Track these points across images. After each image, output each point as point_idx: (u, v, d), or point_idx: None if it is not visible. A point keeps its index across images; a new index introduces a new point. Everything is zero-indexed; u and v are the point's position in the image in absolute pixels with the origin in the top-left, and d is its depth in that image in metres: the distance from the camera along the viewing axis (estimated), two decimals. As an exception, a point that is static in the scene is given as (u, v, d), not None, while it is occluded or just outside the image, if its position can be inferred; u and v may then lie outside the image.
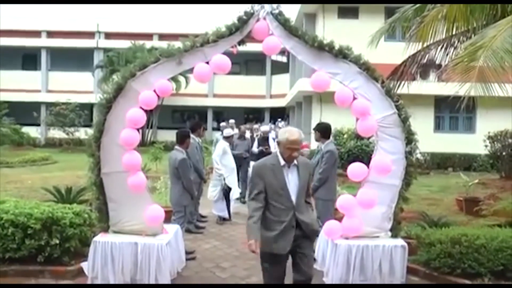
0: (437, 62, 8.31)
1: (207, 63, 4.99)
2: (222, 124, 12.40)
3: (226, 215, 8.41)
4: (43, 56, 29.01)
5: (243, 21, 5.03)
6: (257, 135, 11.51)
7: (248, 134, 11.44)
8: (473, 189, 9.44)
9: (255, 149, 10.59)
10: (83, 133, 25.99)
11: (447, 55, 7.82)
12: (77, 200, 7.39)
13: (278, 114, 27.16)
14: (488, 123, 15.21)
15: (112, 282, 4.86)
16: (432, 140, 15.57)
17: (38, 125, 27.28)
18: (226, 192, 8.37)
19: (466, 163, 16.65)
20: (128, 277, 4.89)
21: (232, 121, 13.86)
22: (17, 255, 5.08)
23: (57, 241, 5.13)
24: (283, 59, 26.19)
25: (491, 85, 5.26)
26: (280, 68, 27.40)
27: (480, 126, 17.53)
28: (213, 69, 5.01)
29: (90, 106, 27.97)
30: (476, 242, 5.24)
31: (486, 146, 13.19)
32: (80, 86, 27.54)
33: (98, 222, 5.36)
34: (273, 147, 10.27)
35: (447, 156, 17.20)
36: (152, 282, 4.85)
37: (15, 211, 5.18)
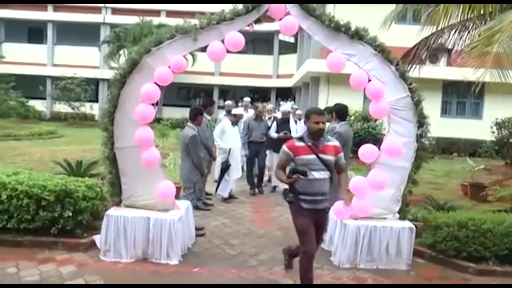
0: (450, 46, 8.24)
1: (222, 42, 4.98)
2: (228, 102, 10.83)
3: (226, 195, 8.20)
4: (49, 30, 28.81)
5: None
6: (270, 117, 9.87)
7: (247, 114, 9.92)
8: (478, 175, 9.49)
9: (273, 133, 9.00)
10: (88, 108, 26.18)
11: (461, 38, 7.75)
12: (87, 174, 7.47)
13: (284, 94, 27.09)
14: (496, 109, 15.19)
15: (124, 255, 4.94)
16: (438, 125, 15.53)
17: (44, 98, 27.31)
18: (222, 169, 8.09)
19: (471, 148, 16.65)
20: (140, 251, 4.98)
21: (247, 99, 12.04)
22: (31, 226, 5.15)
23: (70, 214, 5.19)
24: (291, 39, 25.99)
25: (506, 71, 5.24)
26: (287, 48, 27.17)
27: (487, 112, 17.47)
28: (227, 46, 4.99)
29: (96, 81, 28.05)
30: (483, 227, 5.29)
31: (492, 132, 13.18)
32: (86, 61, 27.47)
33: (110, 196, 5.42)
34: (295, 130, 9.01)
35: (453, 141, 17.18)
36: (164, 257, 4.94)
37: (29, 182, 5.23)
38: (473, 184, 8.90)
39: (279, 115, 9.88)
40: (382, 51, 5.17)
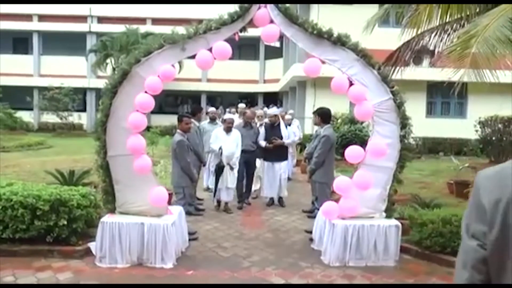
0: (431, 48, 8.49)
1: (210, 50, 5.14)
2: (211, 109, 9.95)
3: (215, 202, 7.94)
4: (35, 40, 28.76)
5: (245, 9, 5.18)
6: (261, 124, 9.00)
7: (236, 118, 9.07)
8: (463, 173, 9.74)
9: (261, 141, 8.29)
10: (76, 118, 26.10)
11: (441, 41, 8.00)
12: (80, 183, 7.55)
13: (272, 99, 27.29)
14: (479, 109, 15.50)
15: (119, 261, 5.06)
16: (424, 125, 15.85)
17: (31, 109, 27.16)
18: (216, 172, 7.64)
19: (456, 147, 16.96)
20: (135, 257, 5.10)
21: (242, 105, 11.61)
22: (26, 235, 5.24)
23: (65, 222, 5.28)
24: (276, 44, 26.18)
25: (483, 72, 5.47)
26: (273, 53, 27.35)
27: (471, 111, 17.81)
28: (215, 56, 5.16)
29: (83, 91, 27.98)
30: (466, 222, 5.48)
31: (476, 131, 13.48)
32: (73, 71, 27.42)
33: (104, 204, 5.54)
34: (286, 136, 8.41)
35: (439, 141, 17.49)
36: (159, 261, 5.07)
37: (24, 192, 5.32)
38: (458, 182, 9.13)
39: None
40: (364, 56, 5.37)
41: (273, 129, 8.32)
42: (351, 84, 5.34)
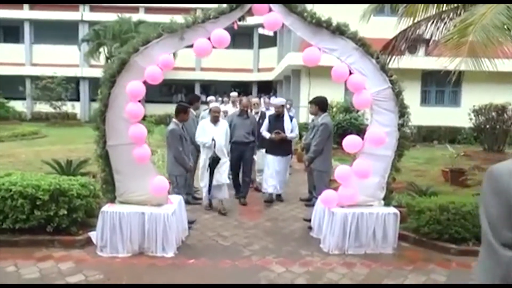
0: (427, 37, 8.51)
1: (209, 39, 5.13)
2: (210, 98, 10.06)
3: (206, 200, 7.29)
4: (26, 29, 28.44)
5: (244, -2, 5.16)
6: (256, 112, 8.76)
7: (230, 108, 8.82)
8: (457, 161, 9.83)
9: (265, 131, 7.70)
10: (70, 107, 25.93)
11: (437, 29, 8.02)
12: (78, 173, 7.54)
13: (266, 88, 27.24)
14: (473, 97, 15.60)
15: (120, 250, 5.08)
16: (418, 114, 15.90)
17: (24, 99, 26.94)
18: (210, 166, 6.91)
19: (451, 136, 17.10)
20: (136, 246, 5.12)
21: (234, 94, 10.91)
22: (26, 225, 5.23)
23: (65, 212, 5.28)
24: (270, 33, 26.07)
25: (481, 60, 5.50)
26: (267, 41, 27.26)
27: (465, 99, 17.93)
28: (214, 44, 5.15)
29: (76, 80, 27.73)
30: (463, 209, 5.56)
31: (470, 119, 13.57)
32: (65, 60, 27.20)
33: (104, 193, 5.54)
34: (289, 130, 7.60)
35: (433, 129, 17.61)
36: (160, 250, 5.10)
37: (23, 182, 5.30)
38: (453, 170, 9.22)
39: (271, 110, 8.68)
40: (363, 45, 5.38)
41: (277, 120, 7.64)
42: (350, 73, 5.35)
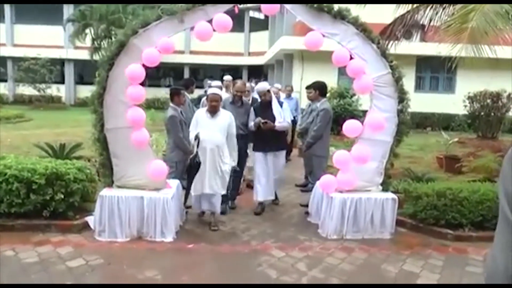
0: (426, 22, 8.47)
1: (209, 22, 5.05)
2: (209, 82, 9.31)
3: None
4: (7, 7, 27.48)
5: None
6: (248, 99, 7.16)
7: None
8: (451, 148, 9.89)
9: (251, 122, 6.30)
10: (55, 90, 25.41)
11: (436, 14, 7.97)
12: (71, 157, 7.46)
13: (257, 72, 26.96)
14: (468, 84, 15.66)
15: (119, 235, 5.04)
16: (412, 100, 15.86)
17: (5, 81, 26.35)
18: (188, 172, 5.64)
19: (444, 122, 17.18)
20: (135, 230, 5.09)
21: (228, 77, 9.33)
22: (22, 209, 5.16)
23: (62, 196, 5.22)
24: (261, 15, 25.71)
25: (481, 47, 5.49)
26: (258, 25, 26.87)
27: (459, 86, 17.98)
28: (216, 28, 5.08)
29: (61, 62, 27.02)
30: (460, 195, 5.59)
31: (465, 106, 13.62)
32: (49, 41, 26.49)
33: (102, 177, 5.49)
34: (279, 116, 6.27)
35: (427, 115, 17.67)
36: (158, 235, 5.07)
37: (18, 166, 5.23)
38: (448, 157, 9.28)
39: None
40: (364, 30, 5.34)
41: (263, 109, 6.30)
42: (351, 58, 5.31)
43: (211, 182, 5.54)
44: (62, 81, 27.70)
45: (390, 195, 5.64)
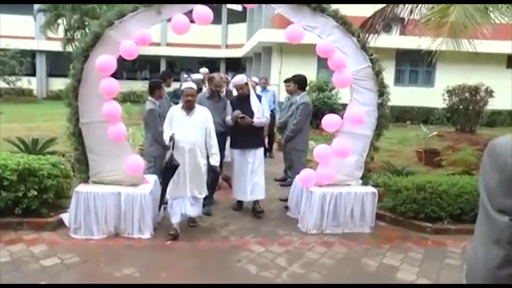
0: (405, 16, 8.47)
1: (188, 14, 4.94)
2: (185, 76, 9.01)
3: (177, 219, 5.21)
4: (-29, -4, 26.34)
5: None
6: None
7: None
8: (430, 141, 9.97)
9: (227, 117, 5.89)
10: (26, 83, 24.61)
11: (416, 6, 7.97)
12: (44, 152, 7.24)
13: (234, 65, 26.67)
14: (447, 78, 15.81)
15: (95, 232, 4.91)
16: (392, 93, 16.01)
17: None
18: (163, 175, 5.17)
19: (424, 116, 17.32)
20: (112, 227, 4.96)
21: (204, 70, 8.95)
22: (-8, 207, 4.99)
23: (35, 193, 5.05)
24: (239, 7, 25.38)
25: (461, 41, 5.50)
26: (236, 17, 26.49)
27: (439, 80, 18.14)
28: (196, 20, 4.98)
29: (32, 53, 26.13)
30: (439, 188, 5.62)
31: (444, 100, 13.77)
32: (19, 31, 25.35)
33: (77, 173, 5.34)
34: (258, 111, 5.87)
35: (406, 109, 17.80)
36: (136, 231, 4.96)
37: (-13, 162, 5.06)
38: (427, 150, 9.36)
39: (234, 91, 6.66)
40: (344, 23, 5.30)
41: (241, 103, 5.89)
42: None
43: (192, 185, 5.18)
44: (33, 74, 26.79)
45: (370, 189, 5.64)
